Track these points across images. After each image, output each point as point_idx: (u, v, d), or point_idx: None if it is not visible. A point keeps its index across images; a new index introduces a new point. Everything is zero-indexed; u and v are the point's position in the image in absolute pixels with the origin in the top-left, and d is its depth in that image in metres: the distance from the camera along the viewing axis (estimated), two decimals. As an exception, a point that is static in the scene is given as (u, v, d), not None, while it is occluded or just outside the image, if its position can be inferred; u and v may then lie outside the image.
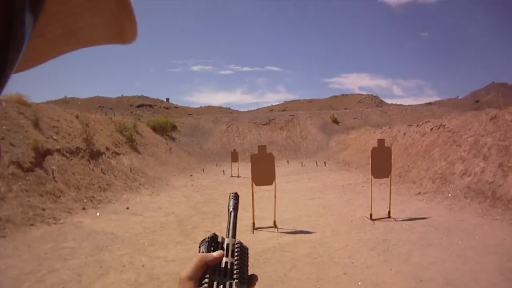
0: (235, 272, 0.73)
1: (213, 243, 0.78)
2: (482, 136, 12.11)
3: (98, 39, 0.39)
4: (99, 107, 72.30)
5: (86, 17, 0.36)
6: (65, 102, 62.89)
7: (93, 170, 15.35)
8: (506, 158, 10.04)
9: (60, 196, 11.41)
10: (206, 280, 0.69)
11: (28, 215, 9.16)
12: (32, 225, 8.82)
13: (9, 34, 0.26)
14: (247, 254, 0.80)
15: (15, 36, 0.27)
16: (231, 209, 0.90)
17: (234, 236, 0.81)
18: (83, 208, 11.12)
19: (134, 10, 0.38)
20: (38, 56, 0.37)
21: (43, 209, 9.89)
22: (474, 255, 6.41)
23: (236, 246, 0.78)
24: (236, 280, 0.71)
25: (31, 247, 7.42)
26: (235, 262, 0.75)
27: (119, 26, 0.38)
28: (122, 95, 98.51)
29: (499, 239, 7.05)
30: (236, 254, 0.76)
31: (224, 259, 0.74)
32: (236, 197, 0.94)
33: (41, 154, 12.65)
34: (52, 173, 12.25)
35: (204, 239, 0.78)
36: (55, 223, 9.23)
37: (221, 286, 0.70)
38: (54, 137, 14.69)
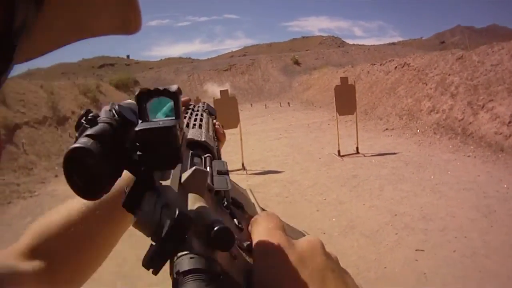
0: (204, 108, 0.86)
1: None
2: (449, 75, 11.98)
3: (102, 30, 0.37)
4: (62, 73, 70.06)
5: (90, 7, 0.34)
6: (29, 75, 60.29)
7: (61, 136, 15.15)
8: (475, 97, 9.94)
9: (32, 168, 11.20)
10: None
11: (4, 194, 8.91)
12: (10, 202, 8.48)
13: (12, 24, 0.25)
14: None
15: (19, 26, 0.26)
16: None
17: None
18: (56, 176, 10.80)
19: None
20: (41, 47, 0.34)
21: (18, 185, 9.67)
22: (448, 190, 6.31)
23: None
24: (206, 110, 0.86)
25: (10, 226, 7.11)
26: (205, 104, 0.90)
27: (124, 17, 0.37)
28: (83, 59, 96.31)
29: (473, 175, 6.96)
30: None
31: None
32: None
33: (11, 130, 12.44)
34: (23, 146, 12.06)
35: None
36: (31, 196, 8.91)
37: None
38: (22, 111, 14.53)
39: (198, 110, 0.87)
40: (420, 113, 11.91)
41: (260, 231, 0.45)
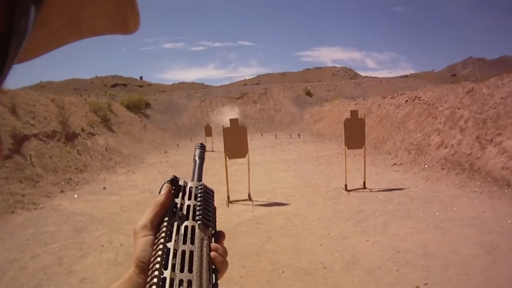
0: (197, 214, 0.66)
1: (174, 186, 0.72)
2: (459, 108, 12.01)
3: (101, 30, 0.39)
4: (74, 89, 70.86)
5: (89, 7, 0.36)
6: (41, 87, 61.18)
7: (69, 152, 15.16)
8: (484, 131, 9.94)
9: (38, 181, 11.21)
10: (165, 223, 0.63)
11: (8, 203, 8.97)
12: (13, 212, 8.57)
13: (11, 24, 0.26)
14: (213, 196, 0.75)
15: (18, 26, 0.27)
16: (196, 158, 0.89)
17: (199, 180, 0.76)
18: (61, 191, 10.82)
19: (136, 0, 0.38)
20: (41, 47, 0.37)
21: (23, 195, 9.70)
22: (453, 226, 6.28)
23: (200, 188, 0.72)
24: (199, 222, 0.65)
25: (13, 235, 7.17)
26: (198, 204, 0.68)
27: (122, 16, 0.38)
28: (96, 76, 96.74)
29: (478, 211, 6.92)
30: (199, 196, 0.70)
31: (187, 202, 0.68)
32: (201, 147, 0.95)
33: (19, 140, 12.49)
34: (30, 158, 12.09)
35: (164, 183, 0.72)
36: (35, 208, 8.97)
37: (183, 228, 0.63)
38: (31, 122, 14.56)
39: (187, 218, 0.66)
40: (429, 148, 11.91)
41: None
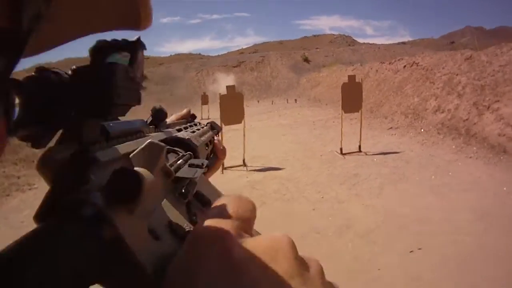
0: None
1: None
2: (457, 75, 11.83)
3: (112, 25, 0.38)
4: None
5: (99, 2, 0.35)
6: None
7: None
8: (481, 98, 9.80)
9: (33, 161, 10.88)
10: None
11: (3, 186, 8.95)
12: (8, 195, 8.51)
13: (20, 18, 0.25)
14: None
15: (26, 21, 0.25)
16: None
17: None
18: None
19: None
20: (49, 41, 0.35)
21: (18, 177, 9.68)
22: (448, 191, 6.21)
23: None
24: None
25: (8, 218, 7.09)
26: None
27: (134, 12, 0.37)
28: None
29: (474, 177, 6.84)
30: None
31: None
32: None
33: None
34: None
35: None
36: (29, 189, 8.92)
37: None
38: None
39: (200, 124, 0.86)
40: (426, 112, 11.78)
41: (210, 214, 0.35)
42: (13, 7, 0.23)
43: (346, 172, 7.82)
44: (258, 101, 31.26)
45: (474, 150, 8.44)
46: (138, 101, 0.47)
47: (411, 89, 14.11)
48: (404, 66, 16.69)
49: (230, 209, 0.35)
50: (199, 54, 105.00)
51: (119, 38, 0.44)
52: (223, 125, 8.82)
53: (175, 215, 0.43)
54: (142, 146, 0.39)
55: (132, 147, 0.41)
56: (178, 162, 0.50)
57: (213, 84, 34.37)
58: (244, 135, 9.12)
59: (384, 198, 6.19)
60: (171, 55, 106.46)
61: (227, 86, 9.38)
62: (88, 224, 0.28)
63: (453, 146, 9.00)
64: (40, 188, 8.88)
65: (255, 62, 44.92)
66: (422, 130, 10.91)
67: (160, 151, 0.41)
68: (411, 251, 4.42)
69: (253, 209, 0.37)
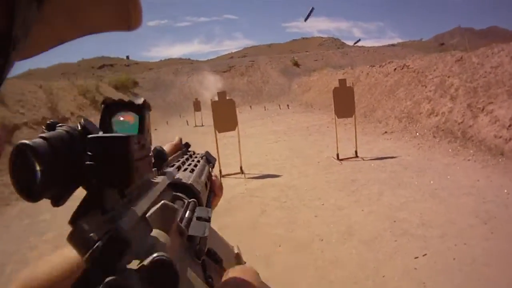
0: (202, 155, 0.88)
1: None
2: (448, 77, 11.91)
3: (103, 26, 0.38)
4: (62, 73, 69.66)
5: (91, 4, 0.36)
6: (29, 74, 60.32)
7: None
8: (475, 100, 9.87)
9: None
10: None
11: (3, 195, 8.80)
12: (8, 204, 8.43)
13: (13, 21, 0.26)
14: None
15: (20, 23, 0.26)
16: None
17: None
18: None
19: None
20: (42, 44, 0.36)
21: None
22: (448, 195, 6.24)
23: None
24: (204, 157, 0.87)
25: (9, 227, 7.11)
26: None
27: (124, 13, 0.37)
28: (83, 59, 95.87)
29: (473, 180, 6.88)
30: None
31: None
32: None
33: (10, 130, 12.39)
34: None
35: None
36: None
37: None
38: (21, 111, 14.46)
39: (196, 157, 0.86)
40: (420, 116, 11.85)
41: (229, 279, 0.40)
42: (6, 12, 0.23)
43: (344, 178, 7.83)
44: (251, 107, 31.26)
45: (471, 152, 8.49)
46: (150, 169, 0.49)
47: (404, 93, 14.19)
48: (395, 69, 16.79)
49: (246, 275, 0.41)
50: (189, 59, 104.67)
51: (126, 99, 0.46)
52: (216, 132, 8.83)
53: (193, 278, 0.45)
54: (157, 206, 0.42)
55: (146, 203, 0.42)
56: (187, 215, 0.51)
57: (204, 90, 34.33)
58: (239, 142, 9.10)
59: (384, 204, 6.19)
60: (160, 60, 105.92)
61: (218, 93, 9.34)
62: None
63: (450, 150, 9.05)
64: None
65: (245, 66, 44.92)
66: (418, 134, 10.96)
67: (174, 212, 0.44)
68: (415, 257, 4.43)
69: (258, 277, 0.43)
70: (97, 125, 0.40)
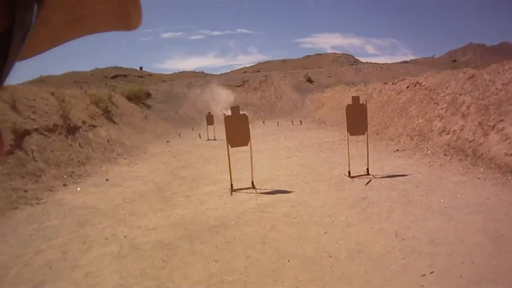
0: None
1: None
2: (460, 94, 11.96)
3: (103, 26, 0.39)
4: (74, 82, 70.02)
5: (91, 4, 0.36)
6: (41, 81, 60.64)
7: (71, 145, 15.04)
8: (486, 117, 9.91)
9: (41, 176, 11.14)
10: None
11: (11, 199, 8.94)
12: (16, 208, 8.54)
13: (14, 21, 0.26)
14: None
15: (20, 24, 0.27)
16: None
17: None
18: (64, 185, 10.79)
19: None
20: (43, 44, 0.37)
21: (26, 191, 9.67)
22: (457, 213, 6.28)
23: None
24: None
25: (16, 231, 7.18)
26: None
27: (124, 13, 0.38)
28: (96, 68, 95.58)
29: (482, 198, 6.92)
30: None
31: None
32: None
33: (20, 136, 12.42)
34: (32, 153, 12.02)
35: None
36: (38, 203, 8.96)
37: None
38: (32, 117, 14.45)
39: None
40: (431, 134, 11.88)
41: None
42: (8, 9, 0.25)
43: (355, 196, 7.89)
44: (264, 122, 31.41)
45: (481, 170, 8.52)
46: None
47: (416, 110, 14.24)
48: (407, 87, 16.86)
49: None
50: (202, 72, 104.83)
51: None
52: (229, 147, 8.93)
53: None
54: None
55: None
56: None
57: (217, 104, 34.48)
58: (251, 157, 9.17)
59: (394, 222, 6.24)
60: (174, 72, 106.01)
61: (231, 107, 9.40)
62: None
63: (460, 168, 9.08)
64: (49, 203, 8.98)
65: (258, 81, 44.97)
66: (429, 152, 11.00)
67: None
68: (423, 275, 4.48)
69: None
70: None
